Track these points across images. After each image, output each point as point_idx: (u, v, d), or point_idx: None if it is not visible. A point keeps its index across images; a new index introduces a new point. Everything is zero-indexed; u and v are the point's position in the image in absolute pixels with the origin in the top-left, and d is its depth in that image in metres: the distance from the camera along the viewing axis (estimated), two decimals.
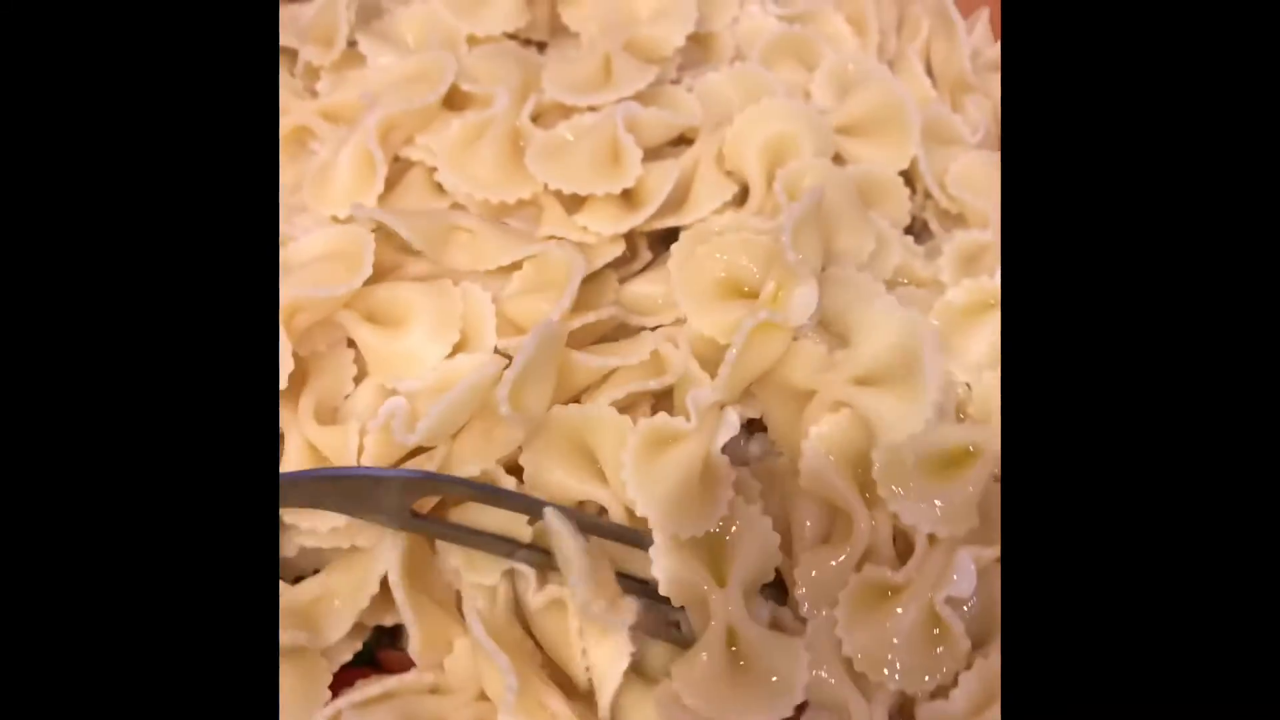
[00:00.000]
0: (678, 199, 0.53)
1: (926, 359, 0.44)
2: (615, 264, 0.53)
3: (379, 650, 0.48)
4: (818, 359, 0.47)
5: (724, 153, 0.54)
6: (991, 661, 0.42)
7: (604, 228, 0.52)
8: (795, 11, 0.63)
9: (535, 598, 0.44)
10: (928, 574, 0.43)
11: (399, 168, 0.55)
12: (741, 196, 0.54)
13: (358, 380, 0.49)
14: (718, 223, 0.52)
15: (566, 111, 0.55)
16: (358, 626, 0.45)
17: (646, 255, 0.54)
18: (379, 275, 0.49)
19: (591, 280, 0.51)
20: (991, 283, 0.50)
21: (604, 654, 0.43)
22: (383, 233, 0.50)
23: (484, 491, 0.45)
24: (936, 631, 0.43)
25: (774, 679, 0.42)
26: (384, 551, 0.45)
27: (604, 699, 0.43)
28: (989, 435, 0.45)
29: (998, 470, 0.44)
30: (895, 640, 0.42)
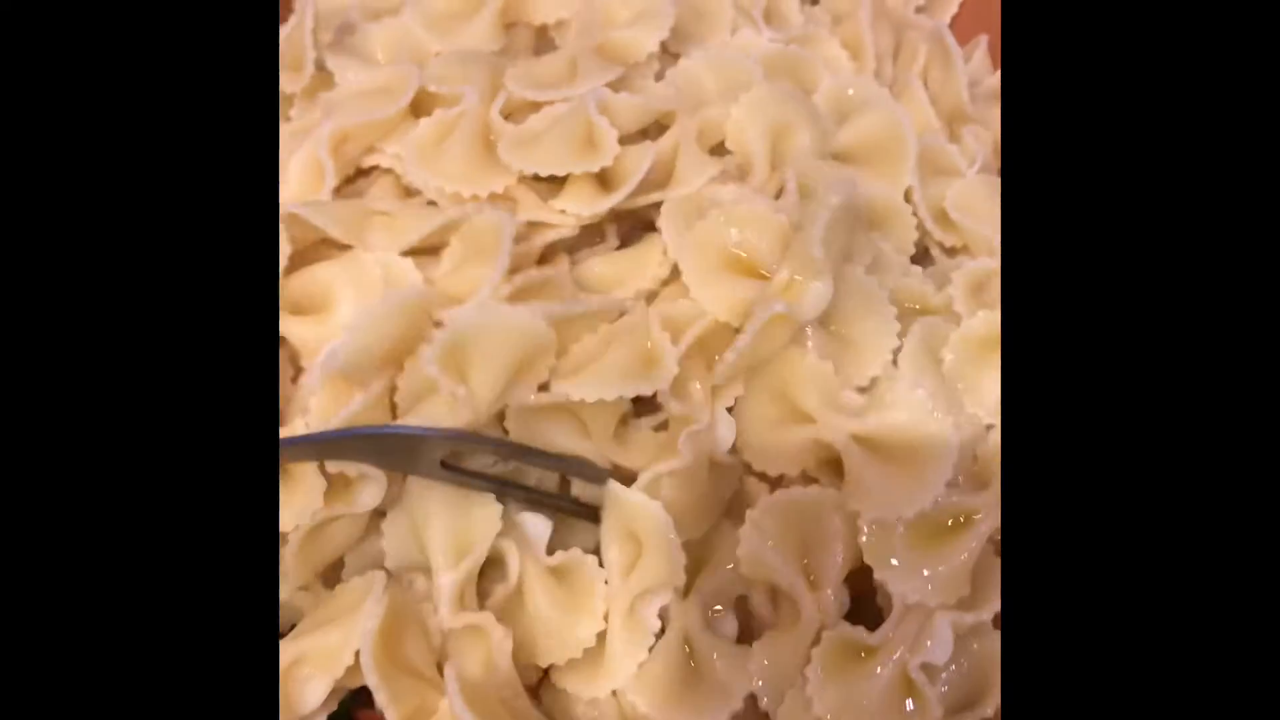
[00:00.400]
0: (660, 180, 0.52)
1: (942, 449, 0.44)
2: (577, 248, 0.52)
3: (356, 710, 0.47)
4: (821, 377, 0.46)
5: (726, 131, 0.54)
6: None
7: (583, 209, 0.51)
8: (790, 35, 0.61)
9: (547, 559, 0.46)
10: (903, 638, 0.42)
11: (369, 179, 0.55)
12: (739, 174, 0.53)
13: (294, 379, 0.49)
14: (723, 194, 0.51)
15: (536, 108, 0.54)
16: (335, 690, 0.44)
17: (614, 241, 0.53)
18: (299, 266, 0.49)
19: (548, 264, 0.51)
20: None
21: (628, 628, 0.44)
22: (304, 229, 0.49)
23: (517, 451, 0.45)
24: (909, 700, 0.42)
25: (717, 687, 0.44)
26: (360, 620, 0.43)
27: (617, 670, 0.44)
28: (987, 503, 0.44)
29: (994, 534, 0.43)
30: (865, 703, 0.42)
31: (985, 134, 0.60)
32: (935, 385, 0.47)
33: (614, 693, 0.45)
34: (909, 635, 0.42)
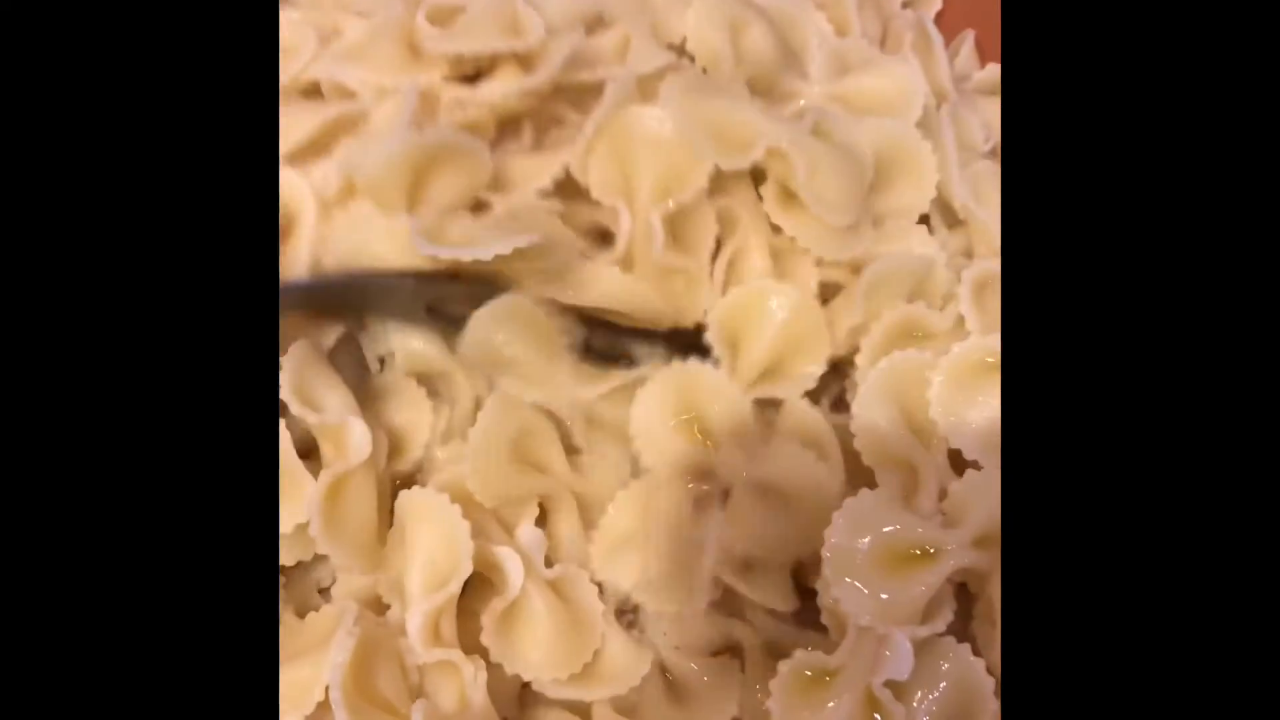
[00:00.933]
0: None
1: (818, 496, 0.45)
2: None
3: None
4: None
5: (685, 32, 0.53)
6: None
7: (511, 90, 0.49)
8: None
9: (546, 571, 0.46)
10: (862, 657, 0.42)
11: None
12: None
13: None
14: None
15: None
16: None
17: (527, 137, 0.51)
18: None
19: None
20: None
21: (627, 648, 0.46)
22: None
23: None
24: (877, 717, 0.42)
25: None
26: (329, 654, 0.42)
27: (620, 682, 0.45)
28: (954, 541, 0.43)
29: (956, 572, 0.43)
30: None
31: (972, 118, 0.58)
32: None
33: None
34: (868, 654, 0.42)
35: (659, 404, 0.46)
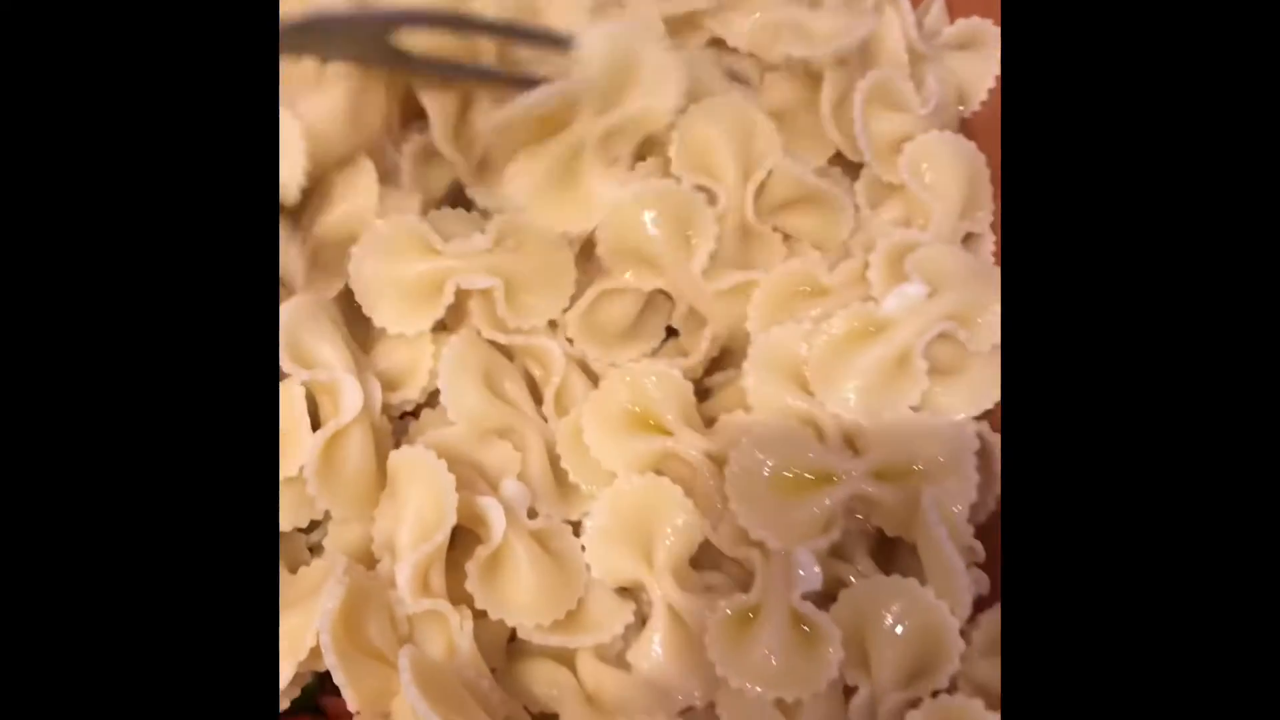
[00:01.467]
0: None
1: None
2: None
3: (322, 697, 0.47)
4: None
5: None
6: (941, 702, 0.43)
7: None
8: None
9: (529, 522, 0.48)
10: (776, 581, 0.45)
11: None
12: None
13: None
14: None
15: None
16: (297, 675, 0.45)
17: None
18: None
19: None
20: (877, 310, 0.50)
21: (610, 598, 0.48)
22: None
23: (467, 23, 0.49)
24: (806, 629, 0.45)
25: None
26: (320, 601, 0.43)
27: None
28: (854, 469, 0.47)
29: (852, 500, 0.47)
30: (768, 652, 0.44)
31: (951, 79, 0.59)
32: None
33: (576, 671, 0.48)
34: (779, 577, 0.45)
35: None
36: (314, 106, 0.47)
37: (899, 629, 0.44)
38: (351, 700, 0.42)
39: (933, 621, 0.44)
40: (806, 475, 0.47)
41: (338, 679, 0.42)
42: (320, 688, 0.46)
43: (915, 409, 0.48)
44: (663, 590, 0.46)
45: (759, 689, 0.43)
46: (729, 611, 0.45)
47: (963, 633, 0.44)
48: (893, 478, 0.47)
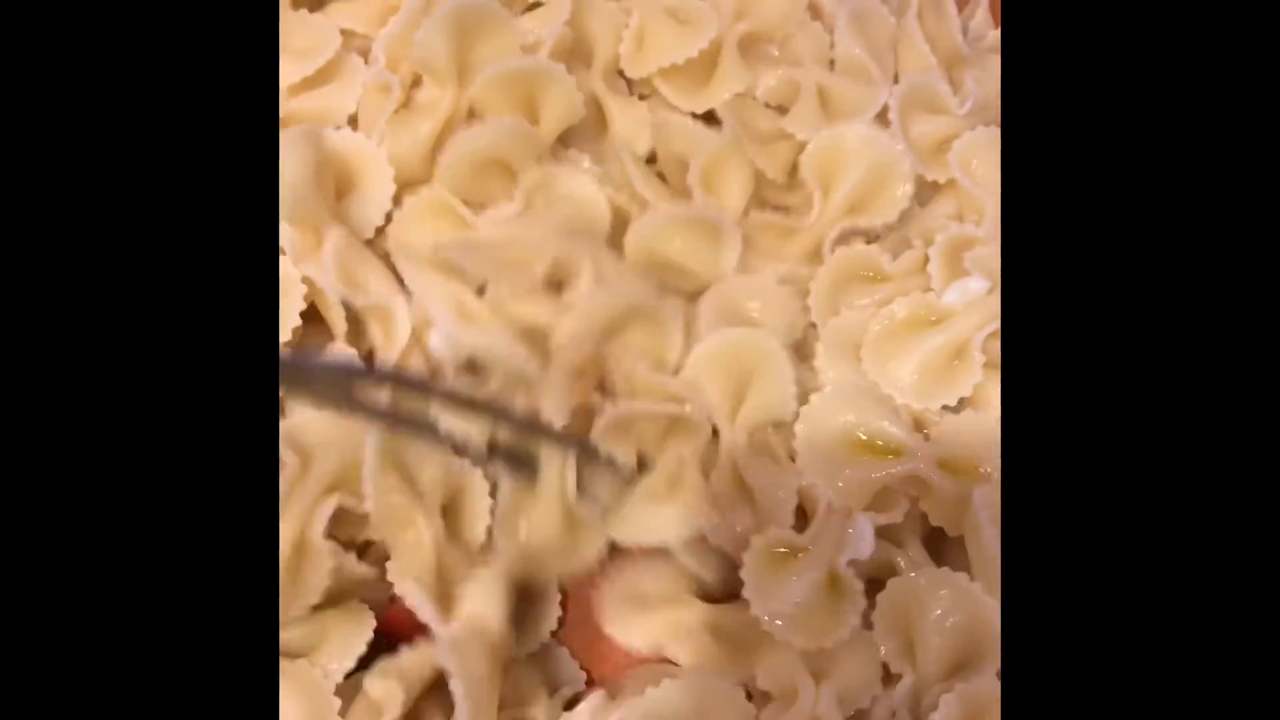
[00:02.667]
0: None
1: None
2: None
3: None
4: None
5: None
6: (974, 685, 0.43)
7: None
8: None
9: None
10: (829, 536, 0.45)
11: None
12: None
13: None
14: None
15: None
16: None
17: None
18: None
19: None
20: (938, 300, 0.50)
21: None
22: None
23: (439, 392, 0.46)
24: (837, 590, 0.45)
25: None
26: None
27: None
28: (922, 450, 0.47)
29: (919, 481, 0.47)
30: (798, 600, 0.44)
31: (987, 78, 0.59)
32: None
33: None
34: (833, 534, 0.45)
35: None
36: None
37: (947, 621, 0.44)
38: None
39: (980, 616, 0.44)
40: (878, 442, 0.48)
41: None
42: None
43: (965, 400, 0.49)
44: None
45: (777, 623, 0.44)
46: (781, 550, 0.46)
47: None
48: (955, 471, 0.47)
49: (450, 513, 0.47)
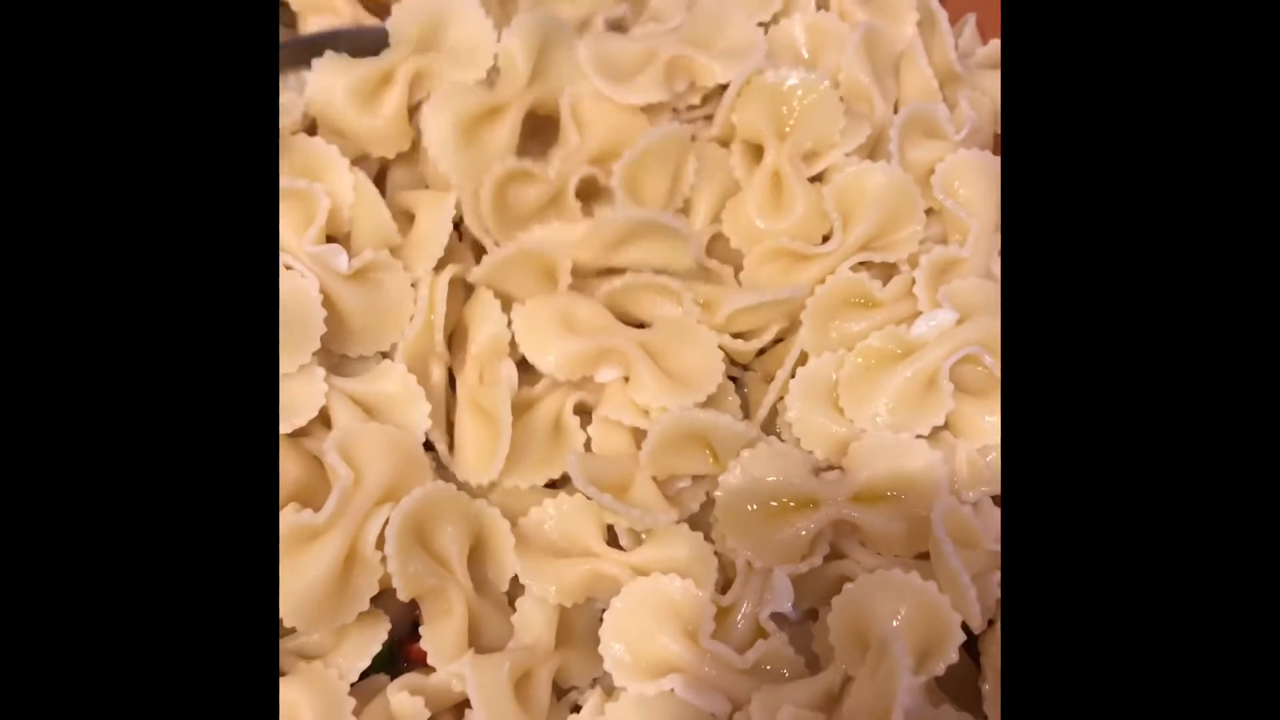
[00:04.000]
0: None
1: None
2: None
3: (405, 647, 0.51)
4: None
5: None
6: None
7: None
8: None
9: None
10: (751, 591, 0.48)
11: None
12: None
13: None
14: None
15: None
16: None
17: None
18: None
19: None
20: (907, 334, 0.52)
21: None
22: None
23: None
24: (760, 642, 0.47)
25: None
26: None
27: None
28: (838, 493, 0.49)
29: (836, 521, 0.49)
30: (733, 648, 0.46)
31: (984, 100, 0.61)
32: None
33: None
34: (754, 589, 0.48)
35: None
36: None
37: (895, 621, 0.45)
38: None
39: (935, 613, 0.45)
40: (790, 503, 0.50)
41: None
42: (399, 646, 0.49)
43: (940, 428, 0.51)
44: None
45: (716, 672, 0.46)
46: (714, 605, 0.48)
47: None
48: (871, 500, 0.49)
49: (476, 556, 0.49)
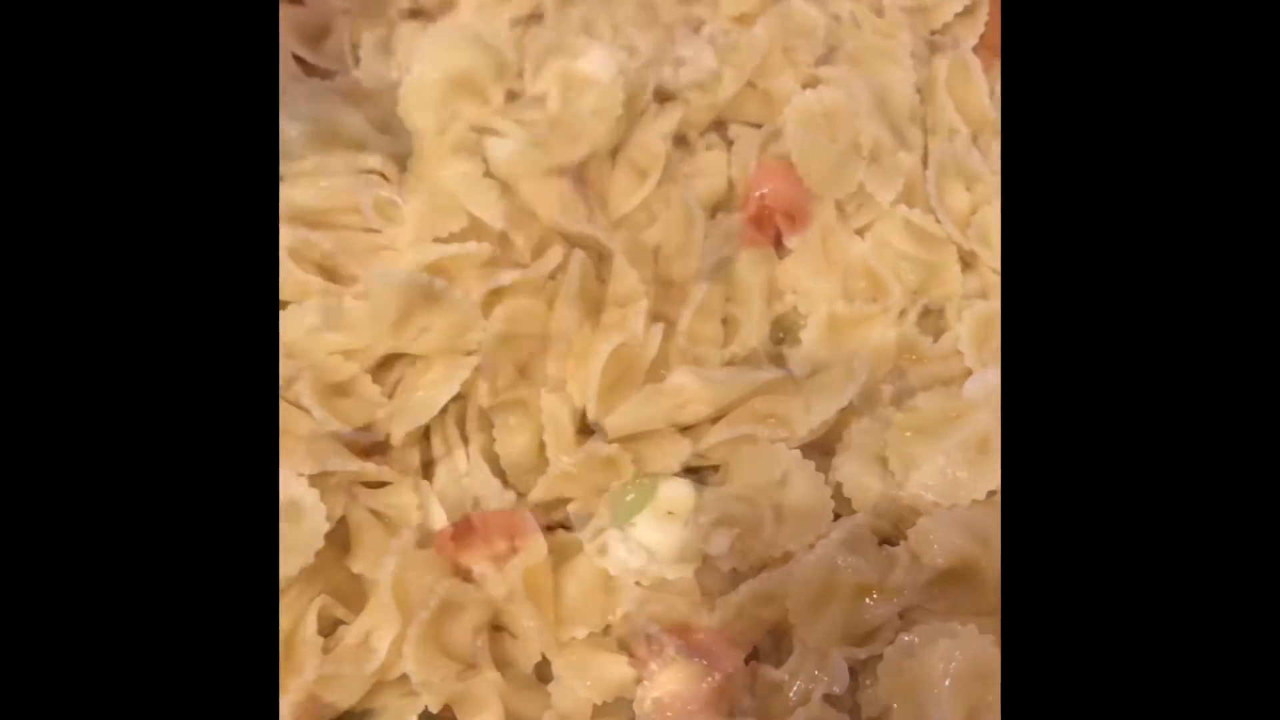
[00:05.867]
0: None
1: None
2: None
3: None
4: None
5: None
6: None
7: None
8: None
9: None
10: (805, 671, 0.45)
11: None
12: None
13: None
14: None
15: None
16: None
17: None
18: None
19: None
20: (958, 395, 0.50)
21: None
22: None
23: None
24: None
25: None
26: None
27: None
28: (912, 580, 0.46)
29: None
30: None
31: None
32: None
33: None
34: (809, 669, 0.45)
35: None
36: None
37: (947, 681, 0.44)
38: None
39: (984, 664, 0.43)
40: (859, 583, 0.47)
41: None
42: None
43: (993, 493, 0.48)
44: None
45: None
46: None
47: None
48: (943, 584, 0.47)
49: (497, 643, 0.48)
